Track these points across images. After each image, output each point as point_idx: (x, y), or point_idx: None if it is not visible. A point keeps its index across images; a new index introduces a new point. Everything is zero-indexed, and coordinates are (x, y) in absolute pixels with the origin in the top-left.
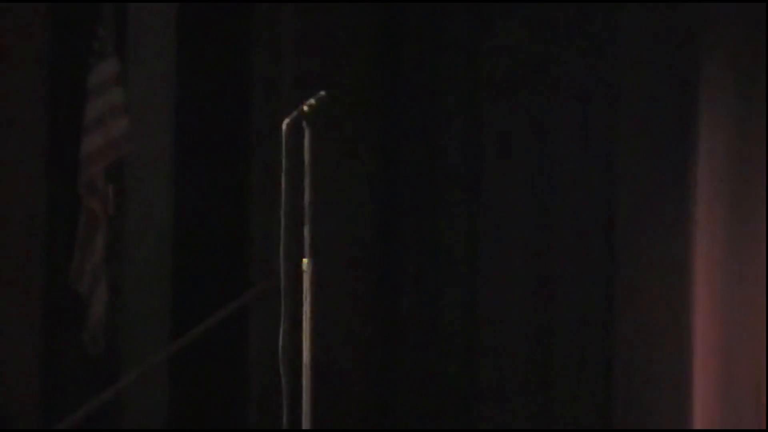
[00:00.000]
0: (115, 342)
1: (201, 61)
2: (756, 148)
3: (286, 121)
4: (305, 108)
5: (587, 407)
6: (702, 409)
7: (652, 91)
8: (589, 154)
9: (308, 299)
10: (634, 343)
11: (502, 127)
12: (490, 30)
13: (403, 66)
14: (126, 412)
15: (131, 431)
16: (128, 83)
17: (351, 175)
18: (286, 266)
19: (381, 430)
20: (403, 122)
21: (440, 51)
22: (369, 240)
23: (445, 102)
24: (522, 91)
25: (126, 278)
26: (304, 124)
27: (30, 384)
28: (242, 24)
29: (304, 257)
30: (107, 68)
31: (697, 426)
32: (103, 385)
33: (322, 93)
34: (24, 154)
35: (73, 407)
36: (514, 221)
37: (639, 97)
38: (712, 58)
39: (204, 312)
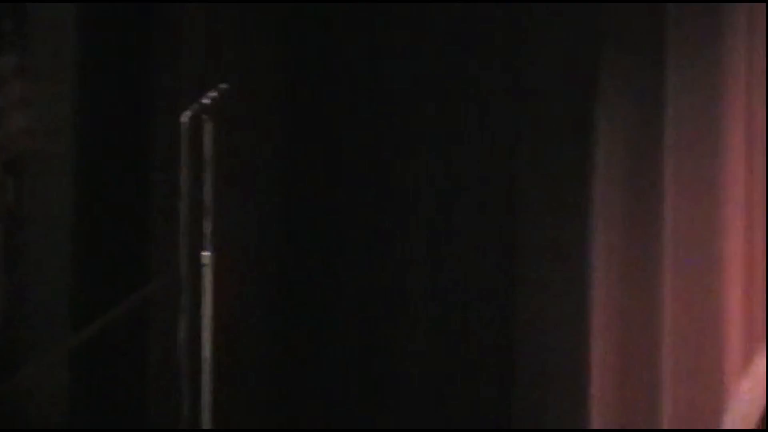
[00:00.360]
0: (14, 336)
1: (102, 53)
2: (652, 140)
3: (186, 114)
4: (206, 100)
5: (484, 402)
6: (598, 404)
7: (553, 83)
8: (490, 142)
9: (209, 293)
10: (532, 336)
11: (406, 122)
12: (394, 28)
13: (308, 57)
14: (24, 406)
15: (29, 428)
16: (28, 77)
17: (254, 168)
18: (186, 260)
19: (283, 428)
20: (309, 115)
21: (346, 47)
22: (272, 233)
23: (351, 97)
24: (426, 88)
25: (25, 272)
26: (205, 116)
27: None
28: (144, 17)
29: (205, 251)
30: (6, 62)
31: (594, 422)
32: (1, 379)
33: (224, 85)
34: None
35: None
36: (416, 213)
37: (540, 86)
38: (612, 55)
39: (104, 305)
